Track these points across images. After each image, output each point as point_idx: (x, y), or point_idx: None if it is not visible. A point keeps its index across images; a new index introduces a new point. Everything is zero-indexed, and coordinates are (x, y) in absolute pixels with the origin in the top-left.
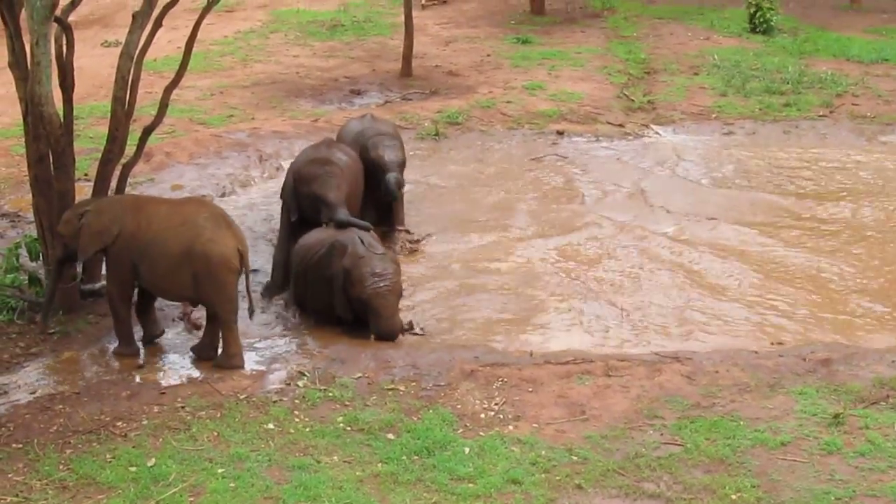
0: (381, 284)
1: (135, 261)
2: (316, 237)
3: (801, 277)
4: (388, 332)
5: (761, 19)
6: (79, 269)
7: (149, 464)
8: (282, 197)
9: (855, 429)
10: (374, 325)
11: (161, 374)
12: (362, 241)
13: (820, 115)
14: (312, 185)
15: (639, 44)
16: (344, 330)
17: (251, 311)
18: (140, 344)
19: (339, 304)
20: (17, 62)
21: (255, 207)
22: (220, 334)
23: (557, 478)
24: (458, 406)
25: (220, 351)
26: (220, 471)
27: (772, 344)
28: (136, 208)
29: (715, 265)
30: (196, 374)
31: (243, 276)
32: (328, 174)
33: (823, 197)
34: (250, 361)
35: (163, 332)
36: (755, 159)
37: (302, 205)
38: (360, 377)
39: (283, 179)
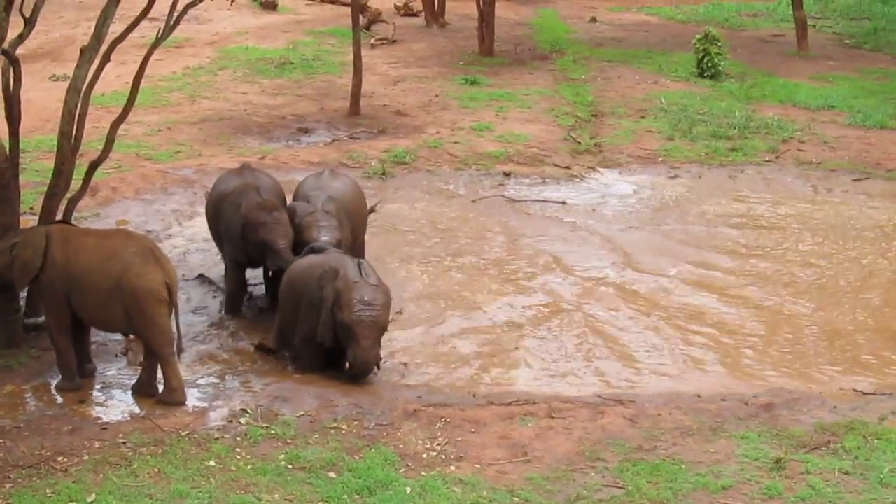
0: (367, 313)
1: (66, 292)
2: (310, 262)
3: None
4: (363, 362)
5: (709, 64)
6: (21, 302)
7: (89, 500)
8: (212, 229)
9: (796, 474)
10: (351, 352)
11: (103, 409)
12: (359, 268)
13: (766, 161)
14: (260, 233)
15: (587, 86)
16: (286, 367)
17: (179, 350)
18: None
19: (324, 326)
20: None
21: (201, 241)
22: (159, 370)
23: None
24: (401, 446)
25: (160, 388)
26: None
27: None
28: (64, 239)
29: (653, 308)
30: (138, 409)
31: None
32: (276, 221)
33: (763, 244)
34: (192, 398)
35: (94, 369)
36: (700, 203)
37: (249, 249)
38: (302, 415)
39: None
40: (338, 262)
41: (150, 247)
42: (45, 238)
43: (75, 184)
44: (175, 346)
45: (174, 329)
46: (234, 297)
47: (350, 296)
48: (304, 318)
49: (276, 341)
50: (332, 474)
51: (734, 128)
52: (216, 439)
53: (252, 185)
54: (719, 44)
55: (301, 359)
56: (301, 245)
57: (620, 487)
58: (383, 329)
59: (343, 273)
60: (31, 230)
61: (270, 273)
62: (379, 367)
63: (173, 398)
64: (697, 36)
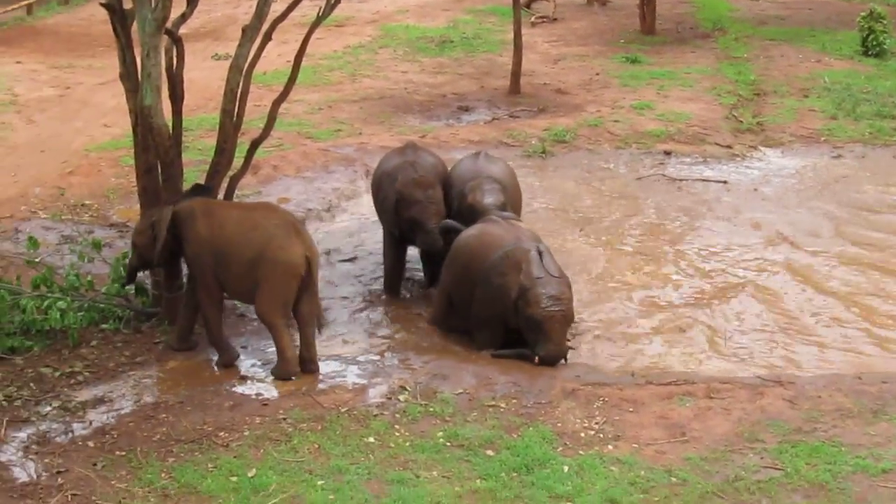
0: (557, 307)
1: (213, 264)
2: (483, 239)
3: None
4: (556, 356)
5: (874, 42)
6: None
7: (249, 474)
8: (376, 206)
9: None
10: (542, 346)
11: (263, 385)
12: (541, 258)
13: None
14: (412, 210)
15: (749, 65)
16: (447, 345)
17: (321, 325)
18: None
19: (507, 315)
20: (128, 74)
21: (364, 220)
22: (275, 343)
23: (656, 499)
24: (559, 424)
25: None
26: (319, 483)
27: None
28: (209, 213)
29: (819, 289)
30: (297, 386)
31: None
32: (430, 200)
33: None
34: (352, 375)
35: (197, 343)
36: (864, 184)
37: (401, 225)
38: (461, 393)
39: None
40: (517, 249)
41: (293, 221)
42: (191, 212)
43: (237, 162)
44: (286, 318)
45: (310, 304)
46: (393, 273)
47: (538, 291)
48: (483, 301)
49: (437, 312)
50: (489, 452)
51: None
52: (375, 416)
53: (410, 161)
54: (885, 21)
55: (482, 340)
56: (464, 211)
57: (779, 469)
58: (571, 321)
59: (526, 267)
60: (165, 208)
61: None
62: (566, 360)
63: (287, 370)
64: (862, 14)
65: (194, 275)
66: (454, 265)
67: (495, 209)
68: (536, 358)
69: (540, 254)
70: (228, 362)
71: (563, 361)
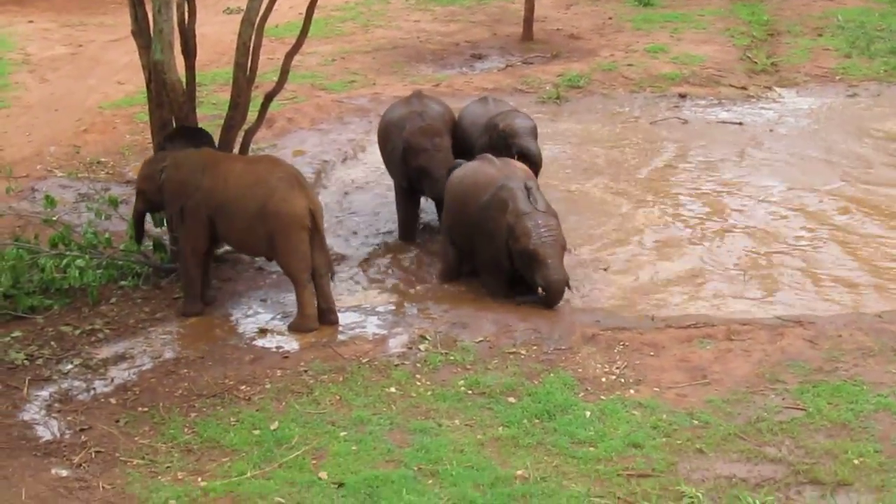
0: (548, 235)
1: (211, 216)
2: (476, 178)
3: None
4: (557, 281)
5: None
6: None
7: (272, 427)
8: (383, 157)
9: None
10: (541, 277)
11: (283, 338)
12: (528, 194)
13: None
14: (420, 159)
15: (762, 5)
16: (466, 293)
17: (332, 274)
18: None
19: (501, 257)
20: (140, 30)
21: (378, 171)
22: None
23: (678, 442)
24: (580, 370)
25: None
26: (342, 434)
27: None
28: (214, 164)
29: (834, 230)
30: (318, 338)
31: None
32: (437, 148)
33: None
34: (372, 325)
35: (215, 296)
36: (881, 121)
37: (409, 175)
38: (481, 341)
39: None
40: (504, 189)
41: (295, 173)
42: (202, 162)
43: (251, 116)
44: (309, 273)
45: (320, 255)
46: (407, 223)
47: (525, 224)
48: (480, 245)
49: (445, 266)
50: (511, 399)
51: None
52: (396, 366)
53: (417, 110)
54: None
55: (489, 285)
56: (496, 141)
57: (801, 409)
58: (565, 248)
59: (513, 205)
60: (180, 154)
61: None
62: (570, 287)
63: (305, 325)
64: None
65: (185, 224)
66: (450, 207)
67: (527, 135)
68: (540, 289)
69: (528, 190)
70: (191, 313)
71: (567, 290)
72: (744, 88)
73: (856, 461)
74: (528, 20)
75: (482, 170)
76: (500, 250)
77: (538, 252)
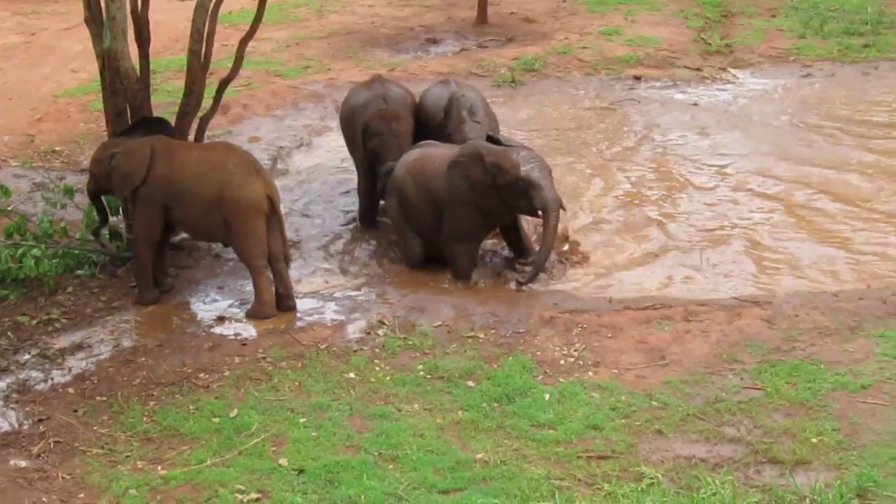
0: (535, 161)
1: (168, 204)
2: (428, 158)
3: (882, 220)
4: (556, 200)
5: None
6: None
7: (231, 414)
8: (346, 140)
9: None
10: (539, 199)
11: (241, 325)
12: (498, 141)
13: None
14: (374, 142)
15: None
16: (424, 277)
17: (287, 260)
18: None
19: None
20: (93, 18)
21: (335, 156)
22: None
23: (637, 423)
24: (538, 353)
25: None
26: (301, 420)
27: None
28: (168, 152)
29: (789, 209)
30: (276, 324)
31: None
32: (392, 133)
33: None
34: (330, 311)
35: (173, 284)
36: (833, 102)
37: (368, 157)
38: (439, 325)
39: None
40: (468, 146)
41: (251, 159)
42: (150, 150)
43: (206, 102)
44: (266, 259)
45: (278, 240)
46: (369, 208)
47: (511, 158)
48: (455, 214)
49: (410, 254)
50: (470, 383)
51: (867, 23)
52: (355, 351)
53: (380, 94)
54: None
55: (458, 264)
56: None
57: (759, 389)
58: (550, 171)
59: (487, 151)
60: (133, 141)
61: None
62: (564, 208)
63: (263, 311)
64: None
65: (138, 213)
66: (406, 197)
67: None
68: (539, 212)
69: (495, 139)
70: (146, 301)
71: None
72: (698, 70)
73: (814, 440)
74: (483, 4)
75: (428, 150)
76: (490, 199)
77: (531, 177)
